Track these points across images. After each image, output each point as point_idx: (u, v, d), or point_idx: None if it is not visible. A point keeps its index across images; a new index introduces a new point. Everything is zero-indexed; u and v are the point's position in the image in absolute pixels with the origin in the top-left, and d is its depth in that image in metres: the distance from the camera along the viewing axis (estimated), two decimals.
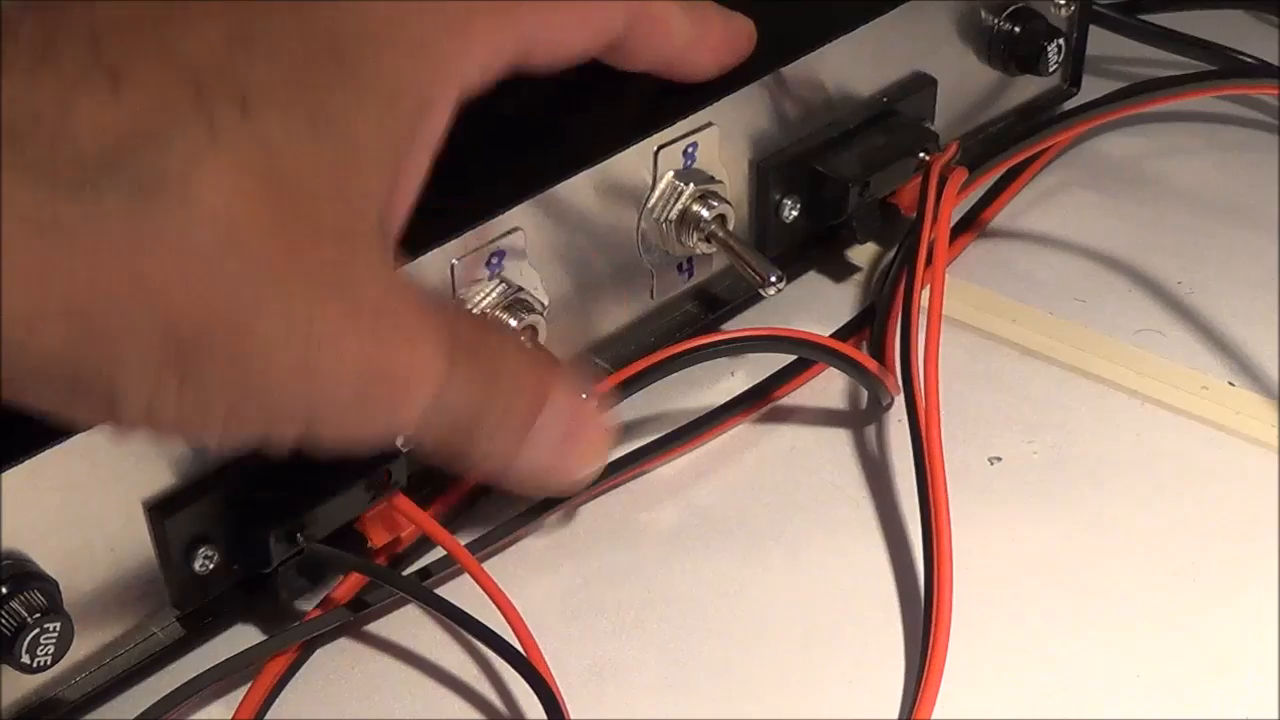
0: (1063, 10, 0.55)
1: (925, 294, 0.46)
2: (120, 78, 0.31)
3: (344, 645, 0.42)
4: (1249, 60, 0.58)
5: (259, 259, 0.31)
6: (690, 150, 0.46)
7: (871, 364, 0.46)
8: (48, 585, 0.36)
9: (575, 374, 0.39)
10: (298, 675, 0.41)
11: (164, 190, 0.30)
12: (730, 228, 0.46)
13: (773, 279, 0.45)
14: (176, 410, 0.31)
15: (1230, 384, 0.48)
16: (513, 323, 0.42)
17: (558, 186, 0.43)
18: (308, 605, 0.42)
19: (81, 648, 0.38)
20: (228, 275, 0.31)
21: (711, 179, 0.46)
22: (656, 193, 0.46)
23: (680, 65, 0.44)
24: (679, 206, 0.46)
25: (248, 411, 0.32)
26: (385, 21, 0.35)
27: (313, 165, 0.33)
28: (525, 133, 0.46)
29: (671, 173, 0.46)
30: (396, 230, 0.36)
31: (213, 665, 0.40)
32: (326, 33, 0.34)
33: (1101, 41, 0.60)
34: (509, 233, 0.42)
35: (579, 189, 0.44)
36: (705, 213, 0.46)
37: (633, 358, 0.45)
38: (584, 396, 0.38)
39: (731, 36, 0.45)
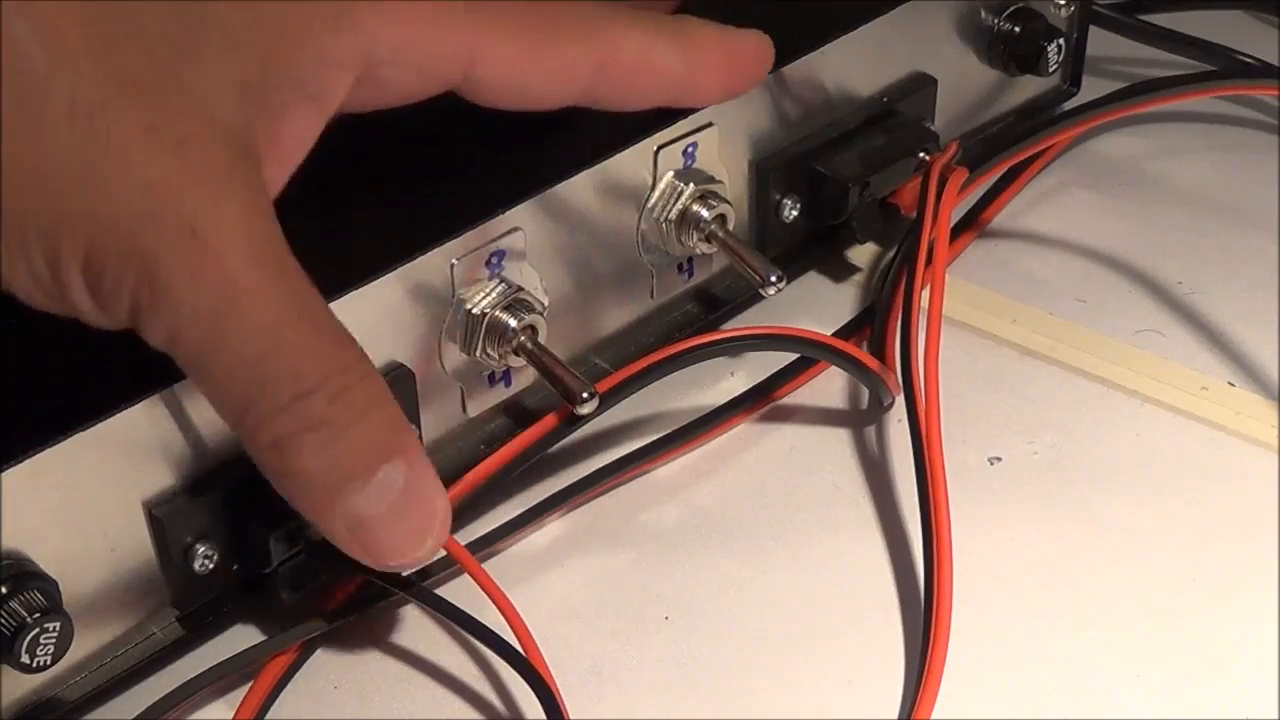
0: (1063, 10, 0.55)
1: (925, 294, 0.46)
2: None
3: (344, 645, 0.42)
4: (1249, 60, 0.58)
5: (56, 31, 0.31)
6: (690, 150, 0.46)
7: (873, 362, 0.46)
8: (47, 585, 0.36)
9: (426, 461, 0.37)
10: (298, 675, 0.41)
11: None
12: (730, 228, 0.46)
13: (773, 279, 0.45)
14: None
15: (1230, 384, 0.48)
16: (512, 323, 0.42)
17: (558, 186, 0.43)
18: (308, 605, 0.41)
19: (81, 648, 0.38)
20: (21, 33, 0.31)
21: (711, 179, 0.46)
22: (656, 193, 0.46)
23: (680, 98, 0.43)
24: (679, 206, 0.46)
25: (25, 209, 0.31)
26: None
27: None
28: (525, 132, 0.46)
29: (671, 173, 0.46)
30: (261, 163, 0.35)
31: (212, 665, 0.40)
32: None
33: (1101, 42, 0.60)
34: (509, 232, 0.42)
35: (579, 189, 0.44)
36: (705, 213, 0.46)
37: (633, 358, 0.45)
38: (435, 478, 0.37)
39: (733, 58, 0.43)
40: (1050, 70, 0.54)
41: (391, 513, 0.36)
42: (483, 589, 0.40)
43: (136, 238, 0.32)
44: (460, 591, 0.42)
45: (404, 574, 0.42)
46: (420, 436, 0.42)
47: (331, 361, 0.35)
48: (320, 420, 0.35)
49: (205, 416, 0.38)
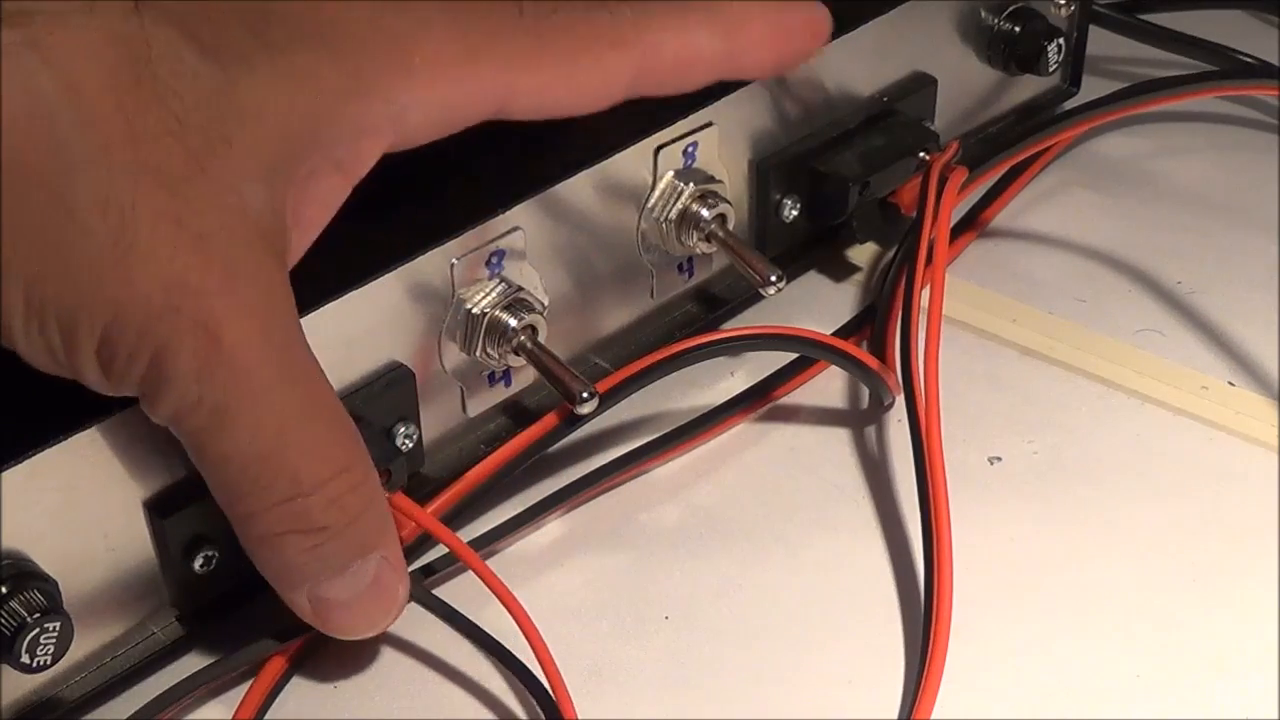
0: (1063, 10, 0.55)
1: (925, 294, 0.46)
2: None
3: (344, 645, 0.42)
4: (1249, 60, 0.58)
5: (96, 120, 0.31)
6: (690, 150, 0.46)
7: (873, 362, 0.46)
8: (47, 585, 0.36)
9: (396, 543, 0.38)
10: (297, 675, 0.41)
11: (26, 26, 0.31)
12: (730, 227, 0.46)
13: (773, 279, 0.45)
14: None
15: (1230, 384, 0.48)
16: (512, 322, 0.42)
17: (558, 186, 0.43)
18: None
19: (81, 648, 0.38)
20: (59, 122, 0.31)
21: (711, 179, 0.46)
22: (656, 192, 0.46)
23: (731, 76, 0.42)
24: (679, 206, 0.46)
25: (47, 291, 0.32)
26: (328, 26, 0.35)
27: (189, 80, 0.33)
28: (525, 132, 0.46)
29: (671, 172, 0.46)
30: (287, 243, 0.35)
31: (211, 664, 0.40)
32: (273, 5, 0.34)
33: (1101, 41, 0.60)
34: (509, 232, 0.42)
35: (579, 189, 0.44)
36: (705, 212, 0.46)
37: (633, 357, 0.45)
38: (402, 565, 0.38)
39: (783, 32, 0.42)
40: (1050, 70, 0.54)
41: (357, 600, 0.37)
42: (488, 587, 0.40)
43: (153, 328, 0.32)
44: (462, 589, 0.42)
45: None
46: (420, 436, 0.42)
47: (332, 464, 0.35)
48: (313, 525, 0.35)
49: None
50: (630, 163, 0.45)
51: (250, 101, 0.33)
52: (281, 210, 0.34)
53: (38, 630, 0.36)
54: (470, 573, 0.41)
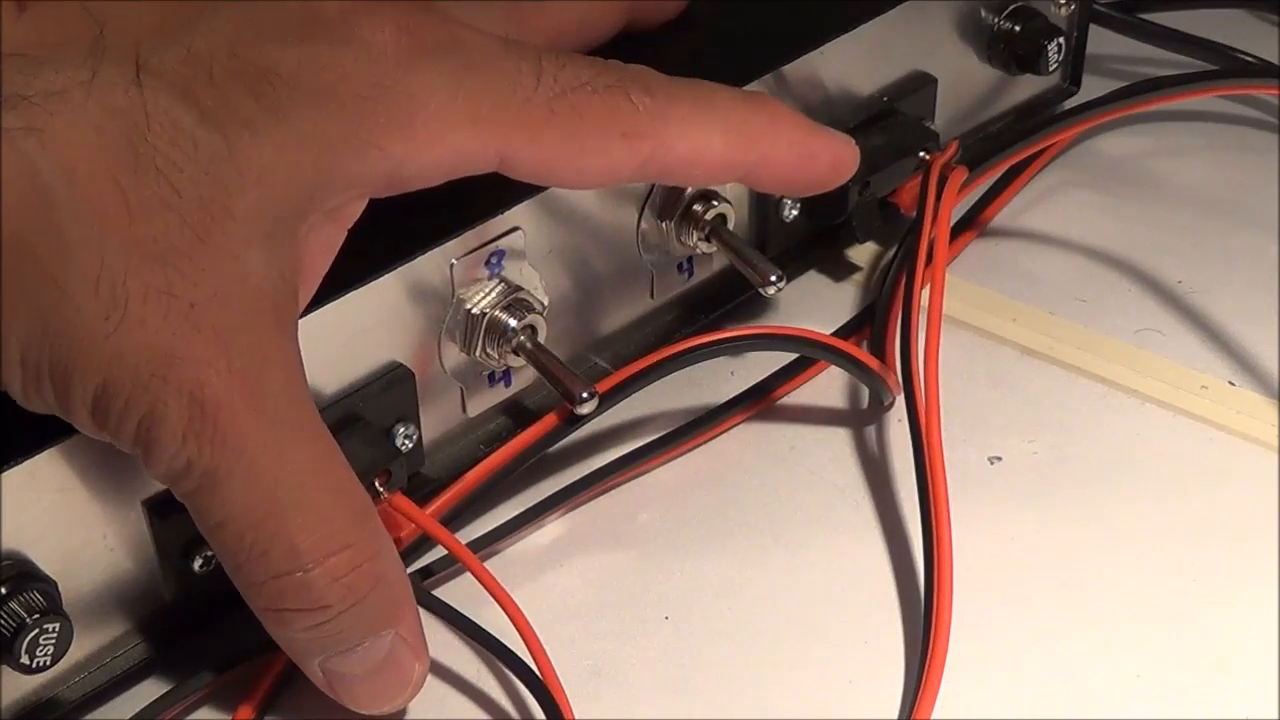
0: (1063, 9, 0.55)
1: (925, 293, 0.46)
2: (29, 5, 0.32)
3: None
4: (1250, 60, 0.58)
5: (92, 201, 0.31)
6: None
7: (873, 362, 0.46)
8: (47, 586, 0.36)
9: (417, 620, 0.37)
10: (299, 674, 0.41)
11: (25, 110, 0.31)
12: (730, 227, 0.46)
13: (773, 278, 0.45)
14: None
15: (1230, 383, 0.48)
16: (512, 322, 0.42)
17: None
18: None
19: (81, 648, 0.38)
20: (56, 205, 0.31)
21: None
22: (656, 192, 0.46)
23: (744, 182, 0.42)
24: (679, 206, 0.46)
25: (42, 355, 0.32)
26: (332, 84, 0.35)
27: (189, 149, 0.33)
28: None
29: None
30: (292, 299, 0.35)
31: (211, 664, 0.40)
32: (267, 60, 0.34)
33: (1102, 40, 0.60)
34: (509, 232, 0.42)
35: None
36: (705, 212, 0.46)
37: (633, 357, 0.45)
38: (420, 643, 0.37)
39: (806, 161, 0.42)
40: (1050, 69, 0.54)
41: (369, 675, 0.36)
42: (485, 588, 0.40)
43: (140, 395, 0.32)
44: (462, 590, 0.42)
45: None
46: (420, 436, 0.42)
47: (334, 539, 0.34)
48: (315, 601, 0.35)
49: None
50: None
51: (251, 167, 0.34)
52: (284, 268, 0.34)
53: (37, 631, 0.36)
54: (471, 573, 0.41)
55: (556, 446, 0.44)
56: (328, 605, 0.35)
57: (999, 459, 0.46)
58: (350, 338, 0.40)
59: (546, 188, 0.42)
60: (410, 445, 0.42)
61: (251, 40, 0.34)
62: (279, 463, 0.34)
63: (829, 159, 0.43)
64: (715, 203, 0.46)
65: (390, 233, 0.41)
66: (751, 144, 0.41)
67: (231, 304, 0.33)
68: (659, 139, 0.39)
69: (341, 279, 0.39)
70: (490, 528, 0.44)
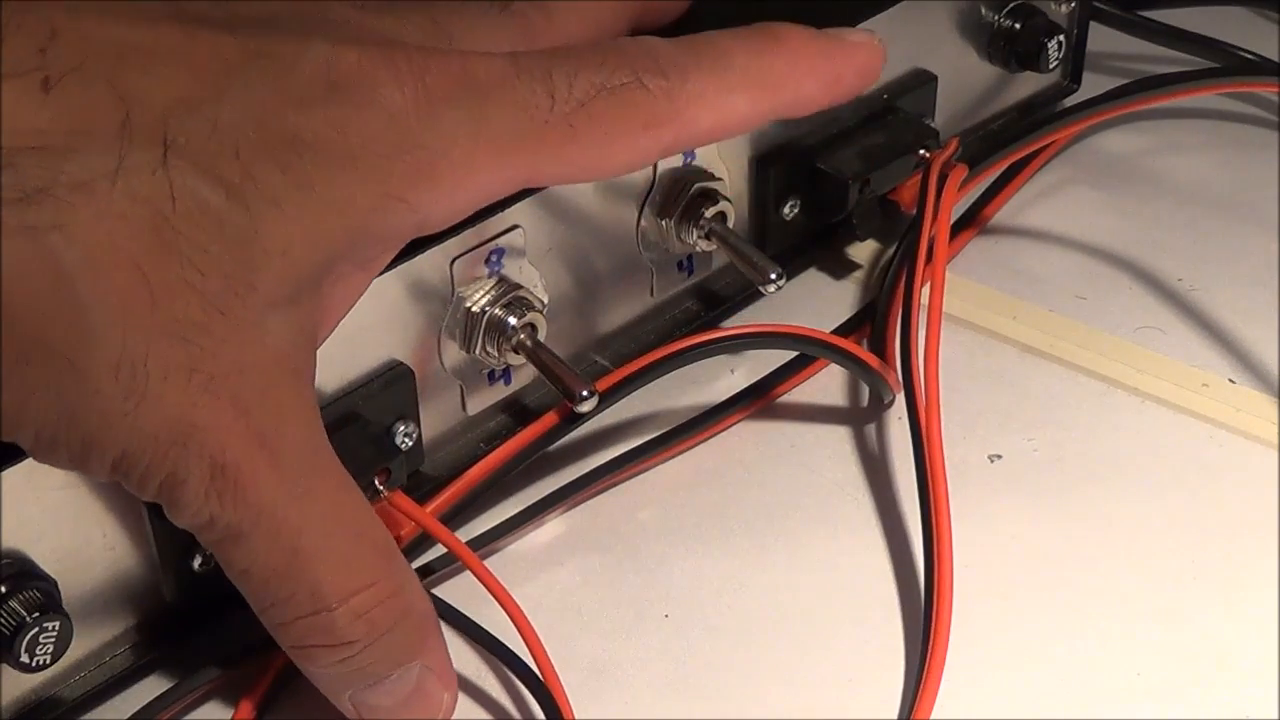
0: (1063, 7, 0.55)
1: (925, 291, 0.46)
2: (54, 85, 0.32)
3: None
4: (1250, 57, 0.58)
5: (114, 289, 0.32)
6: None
7: (873, 360, 0.46)
8: (47, 584, 0.36)
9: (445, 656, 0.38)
10: (298, 674, 0.41)
11: (49, 201, 0.31)
12: (730, 225, 0.46)
13: (773, 276, 0.45)
14: None
15: (1231, 381, 0.48)
16: (512, 320, 0.42)
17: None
18: None
19: (80, 647, 0.38)
20: (78, 294, 0.31)
21: (711, 176, 0.46)
22: (656, 190, 0.46)
23: (776, 120, 0.42)
24: (679, 204, 0.46)
25: (59, 432, 0.32)
26: (357, 148, 0.35)
27: (214, 229, 0.33)
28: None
29: (671, 170, 0.46)
30: (307, 355, 0.35)
31: (211, 664, 0.40)
32: (292, 128, 0.34)
33: (1102, 38, 0.60)
34: (508, 230, 0.42)
35: (578, 186, 0.44)
36: (705, 210, 0.46)
37: (633, 355, 0.45)
38: (449, 672, 0.38)
39: (832, 75, 0.41)
40: (1051, 67, 0.54)
41: (398, 706, 0.37)
42: (485, 587, 0.40)
43: (160, 462, 0.33)
44: (462, 589, 0.42)
45: None
46: (420, 435, 0.42)
47: (357, 578, 0.35)
48: (339, 638, 0.35)
49: None
50: None
51: (276, 242, 0.34)
52: (305, 325, 0.35)
53: (37, 630, 0.36)
54: (470, 571, 0.41)
55: (556, 445, 0.44)
56: (352, 641, 0.35)
57: (999, 457, 0.46)
58: (350, 336, 0.40)
59: (547, 187, 0.42)
60: (410, 443, 0.42)
61: (277, 108, 0.34)
62: (300, 514, 0.34)
63: (854, 72, 0.42)
64: (715, 201, 0.46)
65: None
66: (775, 92, 0.40)
67: (249, 371, 0.33)
68: (682, 119, 0.39)
69: None
70: (490, 526, 0.43)
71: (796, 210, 0.50)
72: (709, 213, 0.46)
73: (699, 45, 0.40)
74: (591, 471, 0.45)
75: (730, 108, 0.40)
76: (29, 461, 0.35)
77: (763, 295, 0.49)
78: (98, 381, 0.32)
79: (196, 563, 0.39)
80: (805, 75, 0.41)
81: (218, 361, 0.33)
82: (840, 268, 0.53)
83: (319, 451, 0.35)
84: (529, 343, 0.42)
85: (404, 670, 0.36)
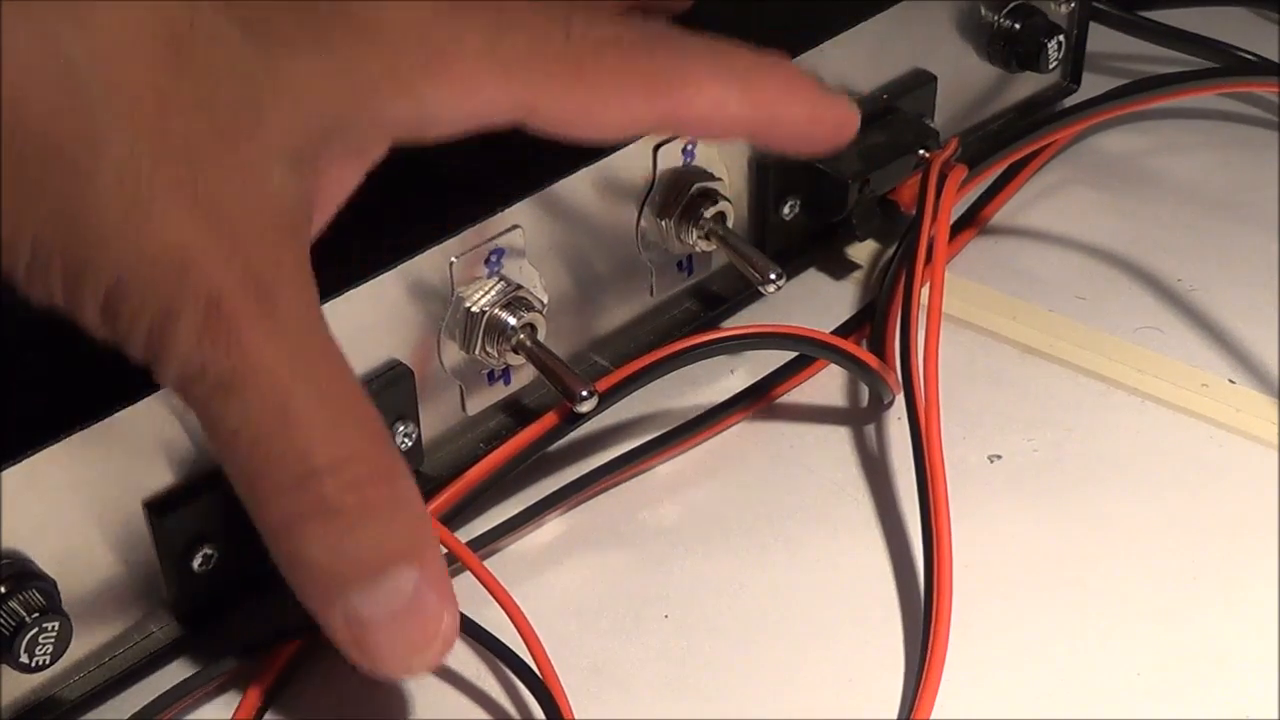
0: (1063, 7, 0.55)
1: (925, 291, 0.46)
2: None
3: None
4: (1250, 57, 0.58)
5: (126, 92, 0.31)
6: (689, 147, 0.46)
7: (873, 360, 0.46)
8: (46, 585, 0.36)
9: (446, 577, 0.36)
10: (298, 674, 0.41)
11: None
12: (730, 225, 0.46)
13: (772, 276, 0.45)
14: None
15: (1230, 381, 0.48)
16: (512, 321, 0.42)
17: (557, 184, 0.43)
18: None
19: (80, 647, 0.38)
20: (88, 88, 0.31)
21: (711, 176, 0.46)
22: (656, 190, 0.46)
23: (752, 141, 0.43)
24: (679, 204, 0.46)
25: (55, 244, 0.32)
26: (379, 24, 0.35)
27: (228, 58, 0.33)
28: (525, 130, 0.46)
29: (671, 170, 0.46)
30: (306, 222, 0.35)
31: (211, 664, 0.40)
32: None
33: (1102, 38, 0.60)
34: (508, 230, 0.42)
35: (578, 186, 0.44)
36: (705, 210, 0.46)
37: (632, 355, 0.45)
38: (448, 591, 0.36)
39: (813, 123, 0.42)
40: (1050, 67, 0.54)
41: (393, 620, 0.35)
42: (485, 587, 0.40)
43: (156, 293, 0.32)
44: (461, 589, 0.42)
45: None
46: (419, 435, 0.42)
47: (348, 446, 0.34)
48: (328, 507, 0.34)
49: None
50: (629, 160, 0.45)
51: (288, 86, 0.34)
52: (304, 194, 0.35)
53: (36, 630, 0.36)
54: (470, 572, 0.41)
55: (556, 445, 0.44)
56: (342, 510, 0.34)
57: (999, 457, 0.46)
58: (350, 336, 0.40)
59: (547, 187, 0.42)
60: (410, 444, 0.42)
61: None
62: (292, 375, 0.33)
63: (832, 123, 0.43)
64: (715, 201, 0.46)
65: (389, 231, 0.41)
66: (765, 105, 0.41)
67: (252, 212, 0.33)
68: (679, 96, 0.39)
69: (341, 277, 0.39)
70: (490, 526, 0.44)
71: (796, 210, 0.50)
72: (709, 213, 0.46)
73: (710, 41, 0.41)
74: (591, 472, 0.45)
75: (723, 102, 0.40)
76: (29, 460, 0.35)
77: (762, 295, 0.49)
78: (102, 186, 0.31)
79: (196, 563, 0.39)
80: (793, 102, 0.41)
81: (221, 191, 0.32)
82: (840, 268, 0.53)
83: (315, 318, 0.34)
84: (529, 343, 0.42)
85: (397, 573, 0.35)
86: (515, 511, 0.44)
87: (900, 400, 0.45)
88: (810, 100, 0.42)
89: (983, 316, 0.51)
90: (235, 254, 0.32)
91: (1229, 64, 0.58)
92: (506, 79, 0.37)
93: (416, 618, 0.35)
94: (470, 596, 0.41)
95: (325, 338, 0.35)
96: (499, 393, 0.44)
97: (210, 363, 0.32)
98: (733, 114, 0.40)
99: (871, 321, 0.49)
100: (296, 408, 0.33)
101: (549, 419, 0.42)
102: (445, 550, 0.41)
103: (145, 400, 0.37)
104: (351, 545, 0.34)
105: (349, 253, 0.40)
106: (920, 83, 0.52)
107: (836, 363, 0.47)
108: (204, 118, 0.32)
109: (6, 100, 0.31)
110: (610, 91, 0.38)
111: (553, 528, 0.45)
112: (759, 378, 0.48)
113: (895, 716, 0.39)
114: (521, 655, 0.39)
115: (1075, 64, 0.57)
